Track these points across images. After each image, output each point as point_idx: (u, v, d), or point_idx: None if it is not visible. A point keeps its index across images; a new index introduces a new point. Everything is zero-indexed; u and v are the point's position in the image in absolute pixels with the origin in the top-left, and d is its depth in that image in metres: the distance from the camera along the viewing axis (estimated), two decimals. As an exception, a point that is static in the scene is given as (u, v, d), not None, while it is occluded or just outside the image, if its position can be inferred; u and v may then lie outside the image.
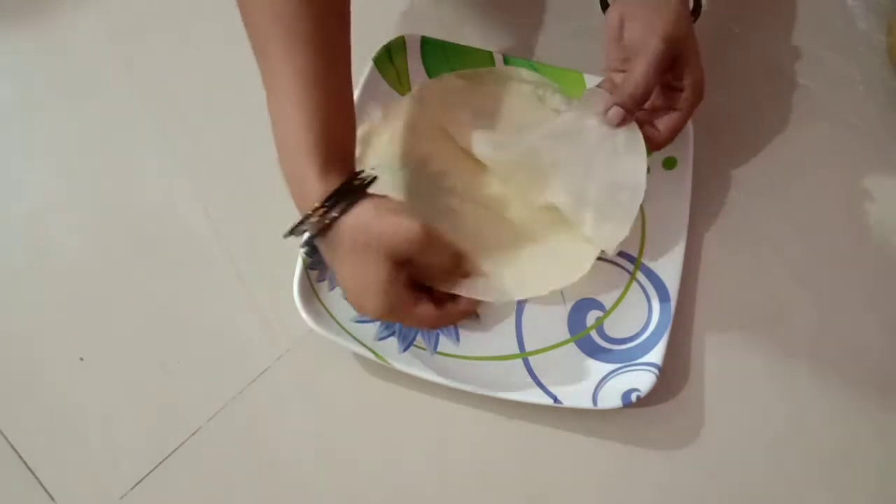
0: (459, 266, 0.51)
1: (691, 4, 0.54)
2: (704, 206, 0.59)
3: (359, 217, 0.44)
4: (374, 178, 0.47)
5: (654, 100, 0.54)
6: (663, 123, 0.53)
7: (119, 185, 0.61)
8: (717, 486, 0.53)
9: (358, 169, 0.48)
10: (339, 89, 0.47)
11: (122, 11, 0.66)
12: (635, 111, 0.52)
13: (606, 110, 0.52)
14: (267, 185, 0.60)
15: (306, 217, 0.44)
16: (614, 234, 0.53)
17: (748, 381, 0.55)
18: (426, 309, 0.49)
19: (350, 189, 0.45)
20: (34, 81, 0.65)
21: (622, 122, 0.52)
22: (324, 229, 0.45)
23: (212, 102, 0.63)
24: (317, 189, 0.44)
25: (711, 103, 0.62)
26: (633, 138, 0.53)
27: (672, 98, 0.53)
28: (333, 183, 0.45)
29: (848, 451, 0.53)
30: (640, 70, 0.50)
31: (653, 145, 0.54)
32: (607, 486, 0.53)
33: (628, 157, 0.53)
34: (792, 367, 0.55)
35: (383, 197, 0.47)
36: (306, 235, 0.46)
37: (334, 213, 0.44)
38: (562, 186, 0.54)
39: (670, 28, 0.49)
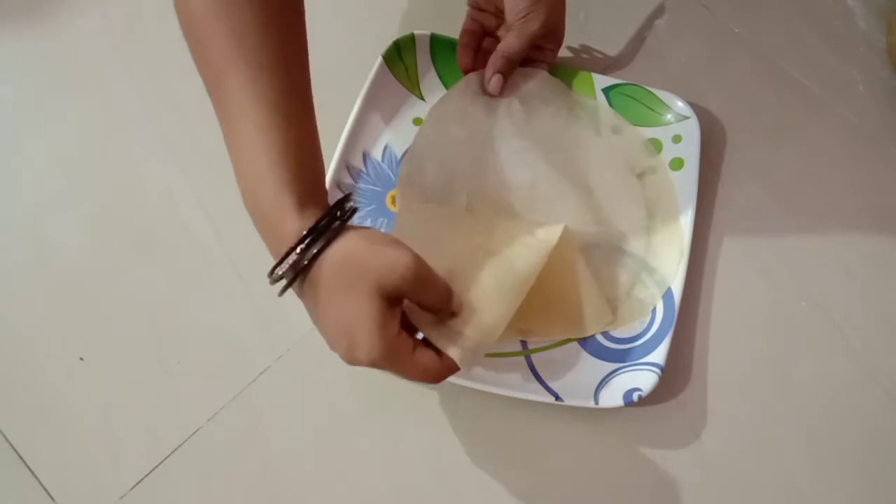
0: (451, 304, 0.44)
1: None
2: (706, 206, 0.59)
3: (345, 249, 0.39)
4: (355, 210, 0.41)
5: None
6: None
7: (119, 184, 0.61)
8: (718, 487, 0.53)
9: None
10: (306, 118, 0.43)
11: (122, 11, 0.66)
12: (510, 74, 0.57)
13: (488, 80, 0.57)
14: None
15: (285, 256, 0.39)
16: (624, 319, 0.54)
17: (750, 382, 0.55)
18: (428, 356, 0.42)
19: (331, 221, 0.39)
20: (34, 81, 0.65)
21: (502, 88, 0.57)
22: (304, 269, 0.39)
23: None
24: (295, 225, 0.39)
25: (711, 103, 0.62)
26: (674, 228, 0.56)
27: (537, 52, 0.59)
28: (311, 217, 0.39)
29: (850, 451, 0.53)
30: (517, 45, 0.55)
31: None
32: (608, 484, 0.53)
33: (665, 247, 0.56)
34: (794, 368, 0.55)
35: (368, 228, 0.42)
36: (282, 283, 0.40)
37: (315, 249, 0.39)
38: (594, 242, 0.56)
39: (550, 14, 0.54)
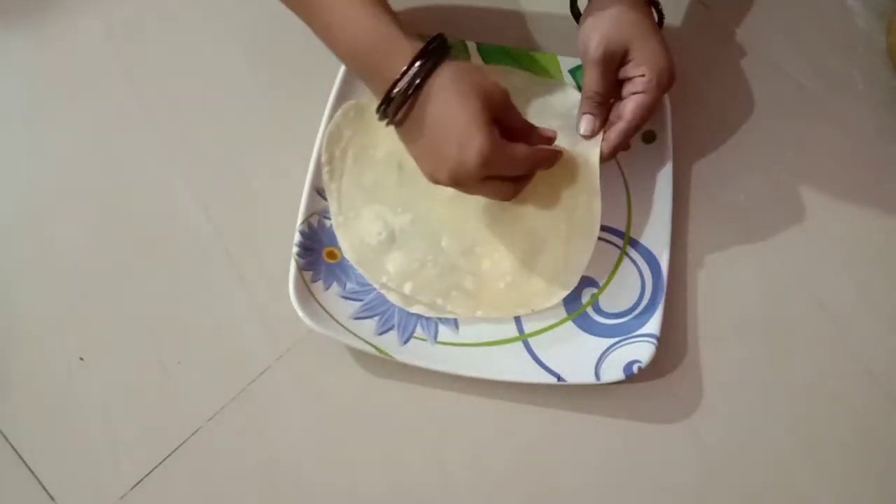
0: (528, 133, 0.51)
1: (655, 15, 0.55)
2: (708, 204, 0.59)
3: (459, 66, 0.47)
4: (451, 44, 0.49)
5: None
6: (628, 107, 0.52)
7: (119, 184, 0.61)
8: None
9: None
10: None
11: (122, 11, 0.66)
12: (601, 113, 0.54)
13: (577, 123, 0.54)
14: (267, 184, 0.60)
15: (403, 73, 0.46)
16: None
17: (745, 381, 0.55)
18: (522, 148, 0.48)
19: (440, 46, 0.47)
20: (34, 81, 0.65)
21: (594, 131, 0.54)
22: (420, 83, 0.46)
23: (212, 102, 0.63)
24: (407, 48, 0.46)
25: (712, 103, 0.62)
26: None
27: (634, 84, 0.53)
28: (418, 45, 0.47)
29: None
30: (587, 75, 0.53)
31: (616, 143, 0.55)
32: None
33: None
34: (791, 366, 0.55)
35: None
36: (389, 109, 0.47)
37: (431, 64, 0.46)
38: None
39: (608, 31, 0.52)
